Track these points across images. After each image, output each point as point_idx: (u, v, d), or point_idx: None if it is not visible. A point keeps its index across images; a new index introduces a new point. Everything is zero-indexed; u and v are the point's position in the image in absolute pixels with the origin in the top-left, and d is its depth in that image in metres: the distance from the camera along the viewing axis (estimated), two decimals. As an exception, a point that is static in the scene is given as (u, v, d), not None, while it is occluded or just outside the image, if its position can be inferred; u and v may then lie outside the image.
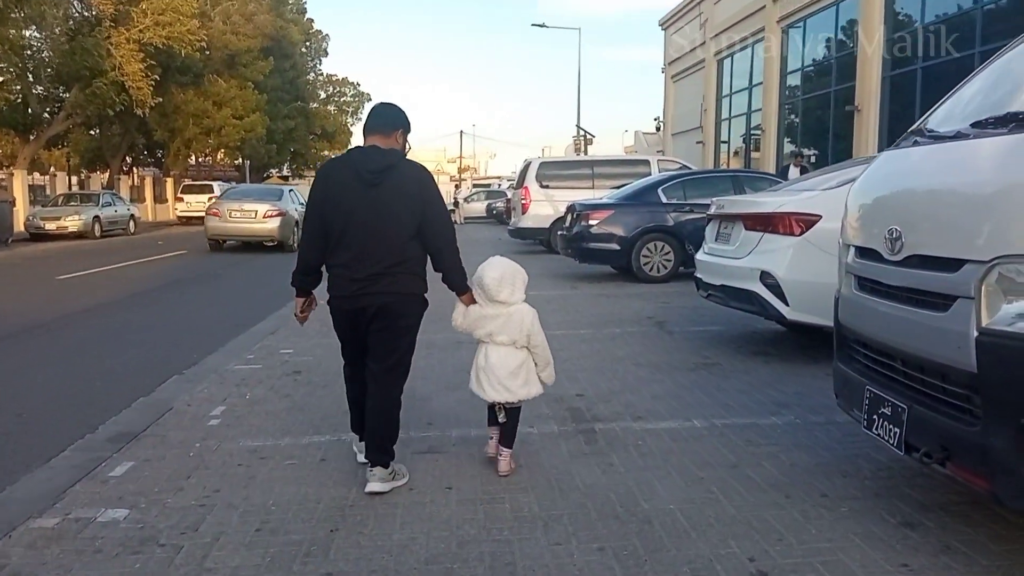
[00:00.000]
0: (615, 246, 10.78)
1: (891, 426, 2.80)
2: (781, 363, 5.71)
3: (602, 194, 12.85)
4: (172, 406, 4.73)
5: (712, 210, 6.68)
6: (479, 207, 34.49)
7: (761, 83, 24.00)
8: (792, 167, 15.39)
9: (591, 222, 10.93)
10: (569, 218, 11.73)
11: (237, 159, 45.47)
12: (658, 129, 38.72)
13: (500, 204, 28.27)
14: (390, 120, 3.46)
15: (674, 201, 10.91)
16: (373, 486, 3.32)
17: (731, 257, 5.99)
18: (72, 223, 22.72)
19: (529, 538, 2.90)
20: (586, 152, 33.80)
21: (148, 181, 38.54)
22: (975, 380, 2.42)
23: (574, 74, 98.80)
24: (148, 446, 4.00)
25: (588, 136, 36.58)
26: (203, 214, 22.64)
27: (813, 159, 19.81)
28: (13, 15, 20.05)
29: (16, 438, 4.55)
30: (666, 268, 10.72)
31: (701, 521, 3.01)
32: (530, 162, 16.34)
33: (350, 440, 3.81)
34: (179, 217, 33.11)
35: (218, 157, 44.43)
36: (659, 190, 11.09)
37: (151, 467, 3.69)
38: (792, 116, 23.26)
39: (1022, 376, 2.27)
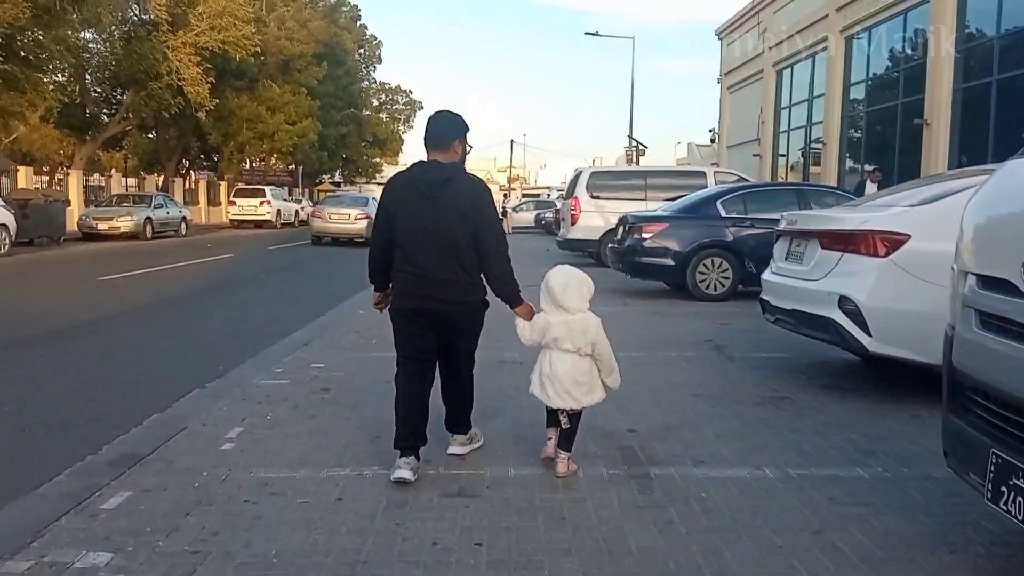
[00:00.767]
0: (669, 261, 10.20)
1: (1031, 504, 2.23)
2: (859, 400, 5.08)
3: (655, 206, 12.26)
4: (186, 425, 4.35)
5: (783, 225, 6.09)
6: (528, 217, 34.16)
7: (823, 95, 23.12)
8: (869, 183, 14.68)
9: (644, 235, 10.36)
10: (621, 230, 11.17)
11: (290, 164, 46.02)
12: (712, 141, 37.92)
13: (549, 214, 27.97)
14: (446, 133, 3.62)
15: (734, 215, 10.29)
16: (455, 449, 3.81)
17: (805, 279, 5.40)
18: (124, 224, 22.97)
19: (572, 619, 2.39)
20: (638, 163, 33.13)
21: (202, 184, 39.10)
22: None
23: (627, 84, 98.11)
24: (151, 472, 3.62)
25: (640, 147, 35.94)
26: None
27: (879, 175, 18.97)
28: (70, 16, 20.25)
29: (12, 456, 4.22)
30: (723, 286, 10.08)
31: (783, 606, 2.47)
32: (581, 171, 15.85)
33: (373, 474, 3.48)
34: (231, 220, 33.43)
35: (271, 162, 44.94)
36: (717, 203, 10.48)
37: (149, 499, 3.29)
38: (854, 130, 22.34)
39: None
